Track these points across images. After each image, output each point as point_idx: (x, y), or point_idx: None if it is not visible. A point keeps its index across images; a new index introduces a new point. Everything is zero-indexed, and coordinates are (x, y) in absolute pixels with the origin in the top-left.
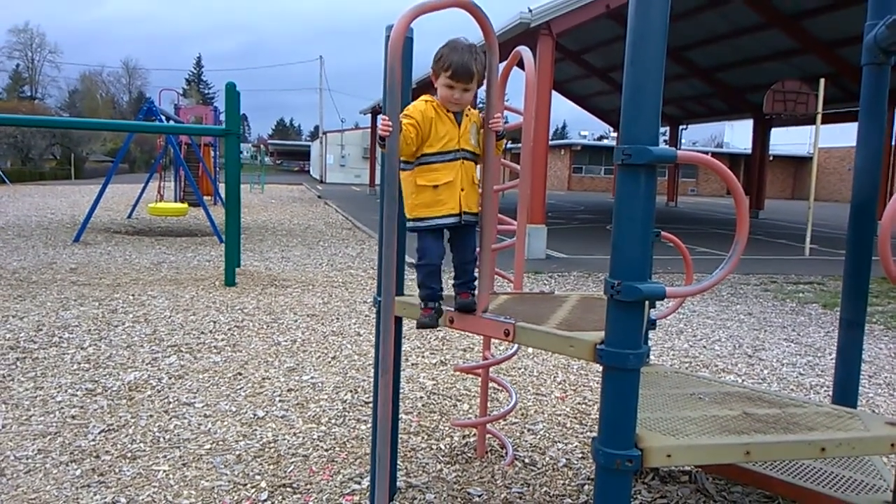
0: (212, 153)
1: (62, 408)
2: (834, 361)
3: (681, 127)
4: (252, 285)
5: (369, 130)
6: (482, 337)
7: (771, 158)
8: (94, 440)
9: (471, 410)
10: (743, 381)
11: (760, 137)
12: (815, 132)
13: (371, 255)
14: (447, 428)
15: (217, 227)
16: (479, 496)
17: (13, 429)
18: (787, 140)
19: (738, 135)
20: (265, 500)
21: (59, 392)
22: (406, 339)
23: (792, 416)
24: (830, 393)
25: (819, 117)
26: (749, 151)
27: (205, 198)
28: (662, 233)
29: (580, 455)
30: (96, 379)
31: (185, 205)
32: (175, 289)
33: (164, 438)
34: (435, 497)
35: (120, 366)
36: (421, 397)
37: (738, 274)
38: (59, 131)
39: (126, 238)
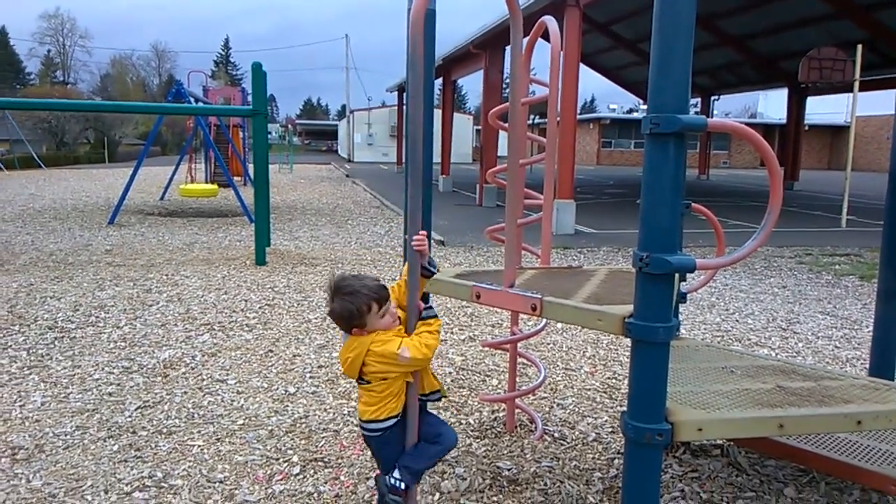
0: (241, 134)
1: (99, 385)
2: (871, 334)
3: (713, 97)
4: (282, 264)
5: (396, 108)
6: (510, 312)
7: (806, 128)
8: (130, 416)
9: (500, 386)
10: (776, 354)
11: (795, 107)
12: (852, 100)
13: (399, 233)
14: (476, 403)
15: (247, 207)
16: (509, 470)
17: (52, 406)
18: (822, 109)
19: (772, 105)
20: (298, 474)
21: (96, 370)
22: None
23: (827, 389)
24: (867, 366)
25: (856, 84)
26: (784, 121)
27: (234, 178)
28: (693, 205)
29: (610, 429)
30: (132, 357)
31: (216, 186)
32: (207, 268)
33: (198, 414)
34: (465, 471)
35: (155, 344)
36: (450, 373)
37: (771, 246)
38: (91, 115)
39: (159, 219)
